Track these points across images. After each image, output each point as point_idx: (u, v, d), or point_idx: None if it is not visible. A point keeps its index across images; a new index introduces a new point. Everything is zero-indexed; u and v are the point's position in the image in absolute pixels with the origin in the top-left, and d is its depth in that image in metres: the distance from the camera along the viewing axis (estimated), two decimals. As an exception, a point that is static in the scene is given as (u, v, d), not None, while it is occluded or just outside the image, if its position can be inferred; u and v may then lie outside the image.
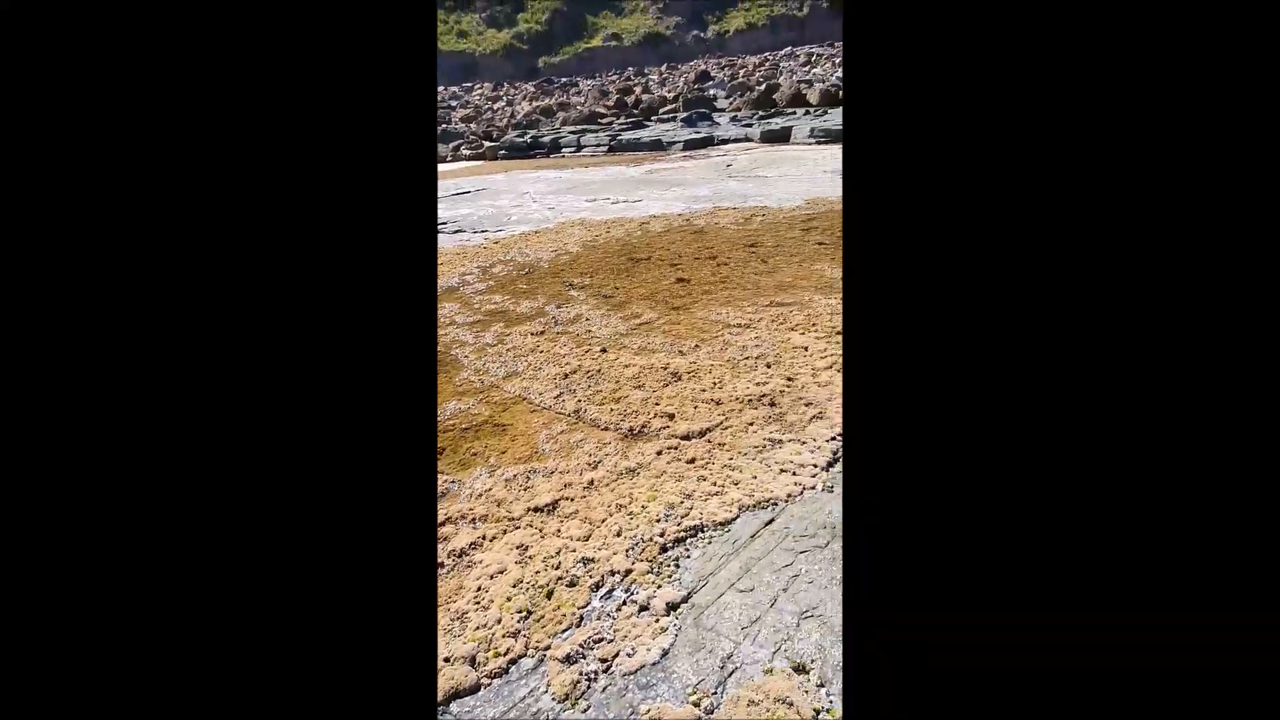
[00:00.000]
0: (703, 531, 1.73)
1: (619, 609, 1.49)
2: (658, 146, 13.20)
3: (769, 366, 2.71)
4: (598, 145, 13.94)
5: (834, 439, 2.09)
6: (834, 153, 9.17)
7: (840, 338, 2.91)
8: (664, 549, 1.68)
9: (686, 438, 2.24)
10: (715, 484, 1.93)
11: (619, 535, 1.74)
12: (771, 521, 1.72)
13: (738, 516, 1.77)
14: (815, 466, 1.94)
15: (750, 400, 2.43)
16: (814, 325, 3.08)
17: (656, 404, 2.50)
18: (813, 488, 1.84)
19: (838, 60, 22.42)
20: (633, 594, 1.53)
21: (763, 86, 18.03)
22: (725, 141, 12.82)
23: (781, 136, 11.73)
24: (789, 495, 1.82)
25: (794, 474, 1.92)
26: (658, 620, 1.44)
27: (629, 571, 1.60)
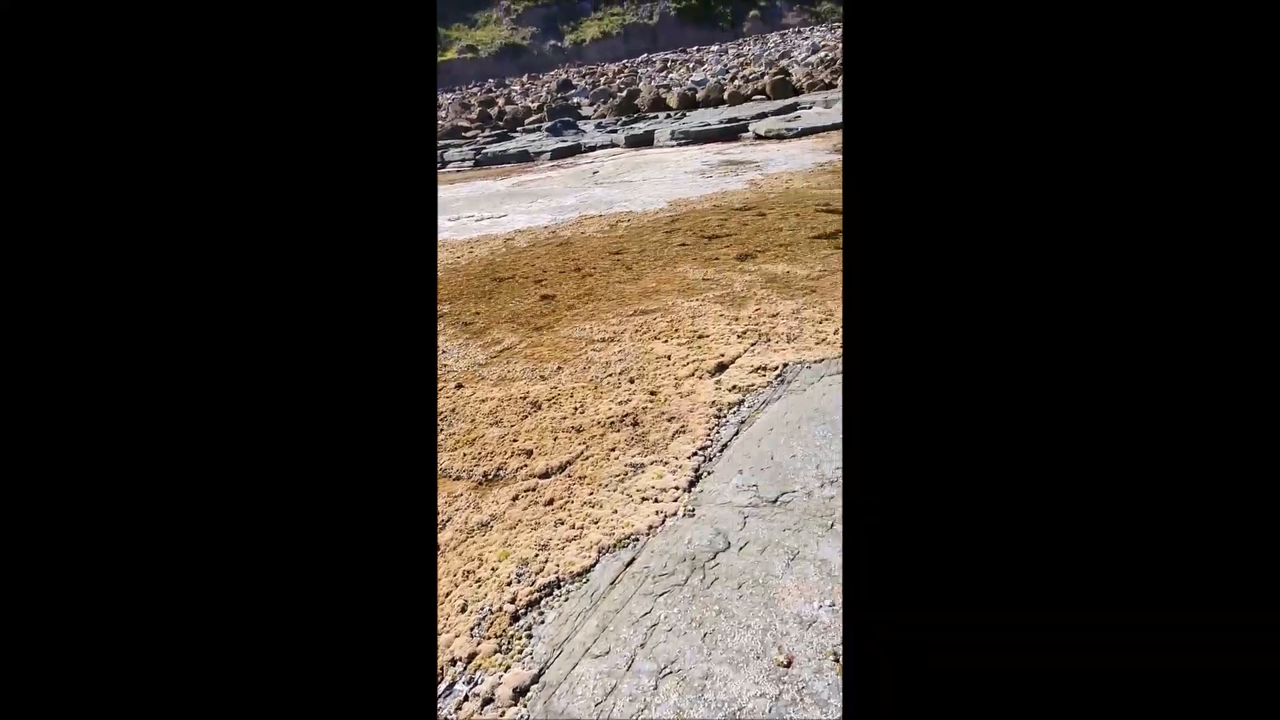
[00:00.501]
0: (559, 588, 1.54)
1: (459, 707, 1.27)
2: (525, 157, 12.88)
3: (632, 382, 2.59)
4: (463, 160, 13.34)
5: (695, 455, 2.00)
6: (693, 153, 9.44)
7: (700, 342, 2.86)
8: (515, 617, 1.47)
9: (545, 475, 2.05)
10: (574, 526, 1.75)
11: (464, 611, 1.51)
12: (632, 562, 1.57)
13: (597, 562, 1.61)
14: (677, 489, 1.84)
15: (612, 422, 2.29)
16: (676, 332, 3.02)
17: (514, 440, 2.29)
18: (674, 514, 1.73)
19: (691, 65, 23.38)
20: (476, 684, 1.31)
21: (624, 93, 18.30)
22: (593, 148, 12.79)
23: (645, 140, 11.91)
24: (650, 527, 1.69)
25: (655, 501, 1.80)
26: (503, 714, 1.23)
27: (473, 656, 1.38)
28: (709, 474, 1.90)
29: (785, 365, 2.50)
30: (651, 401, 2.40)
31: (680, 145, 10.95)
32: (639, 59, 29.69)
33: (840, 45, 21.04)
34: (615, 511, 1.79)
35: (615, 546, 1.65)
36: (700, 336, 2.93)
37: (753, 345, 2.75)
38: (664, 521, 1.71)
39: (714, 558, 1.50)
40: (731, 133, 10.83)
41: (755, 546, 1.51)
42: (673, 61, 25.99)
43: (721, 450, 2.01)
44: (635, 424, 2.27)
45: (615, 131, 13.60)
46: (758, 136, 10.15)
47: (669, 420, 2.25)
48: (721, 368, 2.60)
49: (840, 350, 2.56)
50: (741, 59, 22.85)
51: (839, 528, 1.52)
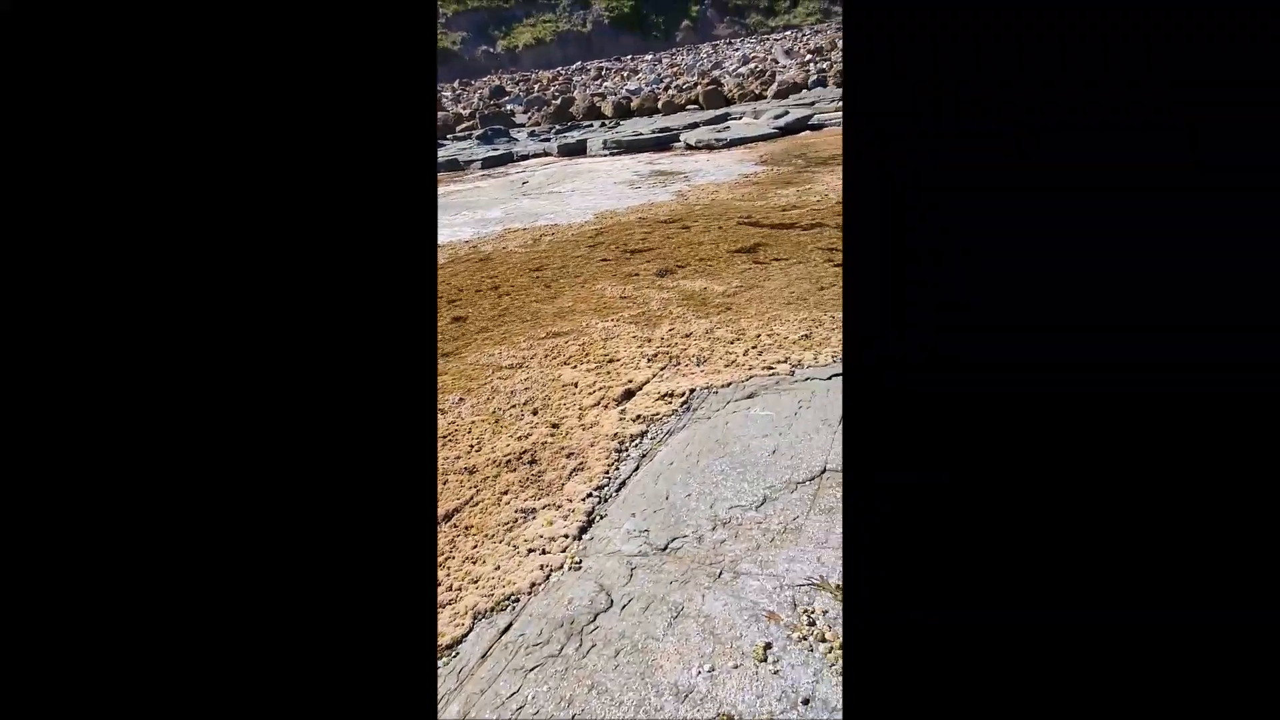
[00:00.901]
0: (425, 664, 1.38)
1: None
2: (455, 166, 12.47)
3: (535, 413, 2.45)
4: (386, 169, 12.76)
5: (590, 495, 1.89)
6: (625, 163, 9.40)
7: (610, 367, 2.76)
8: (370, 706, 1.30)
9: (429, 527, 1.88)
10: (451, 588, 1.60)
11: (312, 702, 1.33)
12: (508, 629, 1.43)
13: (471, 630, 1.45)
14: (566, 538, 1.71)
15: (508, 461, 2.14)
16: (586, 356, 2.91)
17: (400, 487, 2.10)
18: (560, 567, 1.60)
19: (625, 74, 23.48)
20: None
21: (559, 101, 18.12)
22: (525, 157, 12.54)
23: (578, 149, 11.79)
24: (532, 585, 1.56)
25: (543, 552, 1.67)
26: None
27: (314, 760, 1.20)
28: (601, 518, 1.78)
29: (692, 391, 2.43)
30: (552, 436, 2.27)
31: (613, 155, 10.90)
32: (574, 66, 29.58)
33: (768, 57, 21.67)
34: (498, 568, 1.64)
35: (492, 610, 1.50)
36: (610, 360, 2.83)
37: (662, 369, 2.67)
38: (548, 577, 1.58)
39: (594, 620, 1.39)
40: (663, 142, 10.87)
41: (638, 604, 1.40)
42: (607, 70, 26.04)
43: (618, 490, 1.90)
44: (532, 462, 2.13)
45: (549, 140, 13.40)
46: (689, 146, 10.22)
47: (567, 456, 2.12)
48: (628, 395, 2.50)
49: (747, 373, 2.52)
50: (675, 69, 23.16)
51: (727, 576, 1.44)
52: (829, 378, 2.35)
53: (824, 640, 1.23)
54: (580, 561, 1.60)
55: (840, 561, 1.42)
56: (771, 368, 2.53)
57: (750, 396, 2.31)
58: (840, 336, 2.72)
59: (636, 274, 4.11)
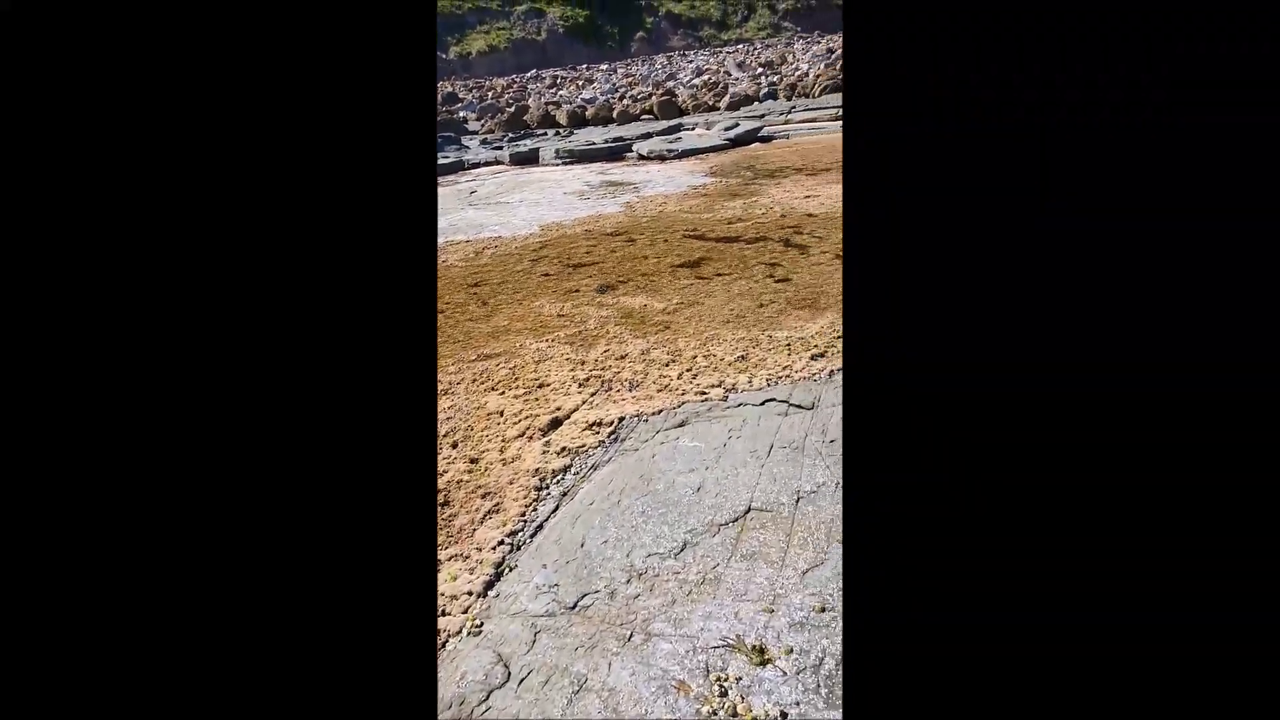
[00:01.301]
0: (290, 761, 1.20)
1: None
2: (400, 175, 12.05)
3: (454, 446, 2.28)
4: (328, 177, 12.26)
5: (502, 543, 1.73)
6: (577, 173, 9.28)
7: (539, 393, 2.61)
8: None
9: (320, 585, 1.68)
10: (333, 661, 1.41)
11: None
12: (390, 711, 1.26)
13: (349, 714, 1.28)
14: (470, 595, 1.55)
15: (418, 504, 1.96)
16: (516, 381, 2.75)
17: (295, 537, 1.89)
18: (458, 633, 1.44)
19: (581, 83, 23.42)
20: None
21: (513, 108, 17.89)
22: (476, 165, 12.28)
23: (530, 158, 11.62)
24: (425, 655, 1.39)
25: (442, 614, 1.50)
26: None
27: None
28: (511, 569, 1.63)
29: (621, 420, 2.30)
30: (469, 473, 2.10)
31: (566, 164, 10.76)
32: (528, 74, 29.34)
33: (721, 69, 21.99)
34: (389, 634, 1.47)
35: (377, 688, 1.33)
36: (541, 385, 2.68)
37: (593, 395, 2.54)
38: (444, 645, 1.41)
39: (486, 699, 1.24)
40: (616, 152, 10.81)
41: (538, 677, 1.26)
42: (563, 78, 25.92)
43: (533, 535, 1.76)
44: (445, 504, 1.96)
45: (501, 148, 13.17)
46: (641, 157, 10.19)
47: (483, 497, 1.96)
48: (555, 424, 2.35)
49: (680, 399, 2.42)
50: (630, 78, 23.25)
51: (637, 639, 1.31)
52: (762, 403, 2.27)
53: (735, 715, 1.12)
54: (481, 625, 1.45)
55: (757, 617, 1.32)
56: (705, 392, 2.44)
57: (681, 425, 2.21)
58: (775, 359, 2.66)
59: (577, 290, 3.98)
